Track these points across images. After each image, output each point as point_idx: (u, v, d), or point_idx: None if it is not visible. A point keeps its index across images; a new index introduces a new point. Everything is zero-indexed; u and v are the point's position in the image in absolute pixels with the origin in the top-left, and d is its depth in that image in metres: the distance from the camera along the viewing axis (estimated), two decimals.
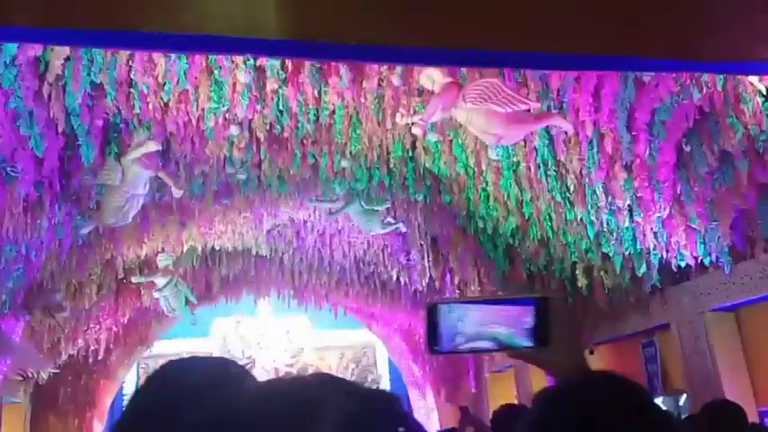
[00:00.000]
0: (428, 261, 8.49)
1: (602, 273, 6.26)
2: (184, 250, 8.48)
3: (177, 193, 5.67)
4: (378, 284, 9.74)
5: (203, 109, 5.07)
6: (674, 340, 5.96)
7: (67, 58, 4.44)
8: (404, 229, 8.07)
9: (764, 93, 3.97)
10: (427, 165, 6.56)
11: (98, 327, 9.11)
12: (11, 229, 5.19)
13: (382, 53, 1.94)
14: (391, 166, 6.55)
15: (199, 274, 9.51)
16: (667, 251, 5.35)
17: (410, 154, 6.52)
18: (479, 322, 1.07)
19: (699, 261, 5.28)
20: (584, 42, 1.68)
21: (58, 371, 8.41)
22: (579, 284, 6.47)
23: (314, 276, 9.88)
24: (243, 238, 8.84)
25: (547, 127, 5.23)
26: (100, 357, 9.49)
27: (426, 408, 11.45)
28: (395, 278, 9.29)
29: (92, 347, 9.32)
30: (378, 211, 7.61)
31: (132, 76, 4.77)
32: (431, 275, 8.65)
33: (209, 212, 7.46)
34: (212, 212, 7.48)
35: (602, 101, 4.83)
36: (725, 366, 5.48)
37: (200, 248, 8.69)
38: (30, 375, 7.99)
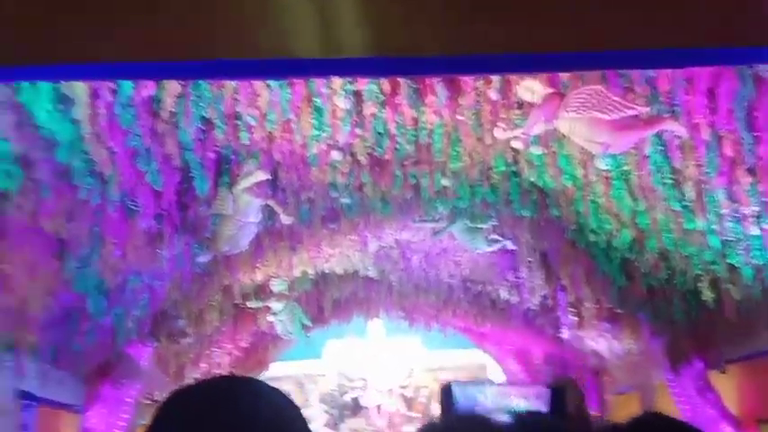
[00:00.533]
0: (538, 278, 8.24)
1: (729, 285, 5.80)
2: (296, 275, 8.71)
3: (287, 220, 5.83)
4: (487, 303, 9.56)
5: (306, 136, 5.21)
6: None
7: (179, 96, 4.71)
8: (511, 246, 7.88)
9: None
10: (531, 179, 6.38)
11: (219, 351, 9.50)
12: (134, 260, 5.53)
13: (472, 64, 1.89)
14: (494, 182, 6.43)
15: (311, 297, 9.73)
16: None
17: (512, 168, 6.38)
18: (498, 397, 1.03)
19: None
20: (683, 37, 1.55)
21: None
22: (704, 298, 6.03)
23: (422, 296, 9.86)
24: (350, 260, 8.98)
25: (658, 132, 4.96)
26: None
27: None
28: (504, 297, 9.09)
29: (214, 371, 9.71)
30: (482, 228, 7.49)
31: (238, 109, 4.99)
32: (542, 294, 8.40)
33: (316, 237, 7.63)
34: (320, 237, 7.64)
35: (718, 101, 4.51)
36: None
37: (310, 272, 8.90)
38: (158, 400, 8.43)
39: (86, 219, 4.71)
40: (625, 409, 9.45)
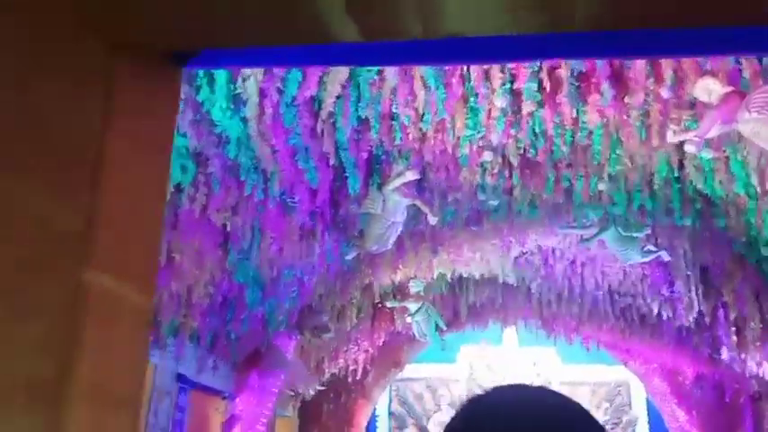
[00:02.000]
0: (697, 293, 7.64)
1: None
2: (434, 277, 8.68)
3: (433, 220, 5.80)
4: (635, 318, 9.02)
5: (459, 137, 5.15)
6: None
7: (338, 96, 4.80)
8: (667, 258, 7.35)
9: None
10: (698, 185, 5.92)
11: (356, 348, 9.67)
12: (289, 255, 5.72)
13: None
14: (655, 187, 6.03)
15: (447, 300, 9.68)
16: None
17: (677, 174, 5.95)
18: None
19: None
20: None
21: (323, 388, 9.07)
22: None
23: (563, 307, 9.48)
24: (490, 265, 8.81)
25: None
26: (358, 377, 10.05)
27: None
28: (656, 312, 8.53)
29: (351, 367, 9.91)
30: (637, 238, 7.04)
31: (394, 110, 5.02)
32: (700, 310, 7.79)
33: (458, 240, 7.55)
34: (462, 240, 7.56)
35: None
36: None
37: (449, 275, 8.83)
38: (299, 392, 8.72)
39: (250, 213, 4.92)
40: None
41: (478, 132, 5.05)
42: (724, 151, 5.30)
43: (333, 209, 5.78)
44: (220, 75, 3.89)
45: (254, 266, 5.36)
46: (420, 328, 9.11)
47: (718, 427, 9.32)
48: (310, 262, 6.11)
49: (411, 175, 5.53)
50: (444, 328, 9.40)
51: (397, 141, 5.23)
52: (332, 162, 5.25)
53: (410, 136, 5.13)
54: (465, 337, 12.25)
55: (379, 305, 9.30)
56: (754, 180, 5.41)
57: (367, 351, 10.07)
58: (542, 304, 9.53)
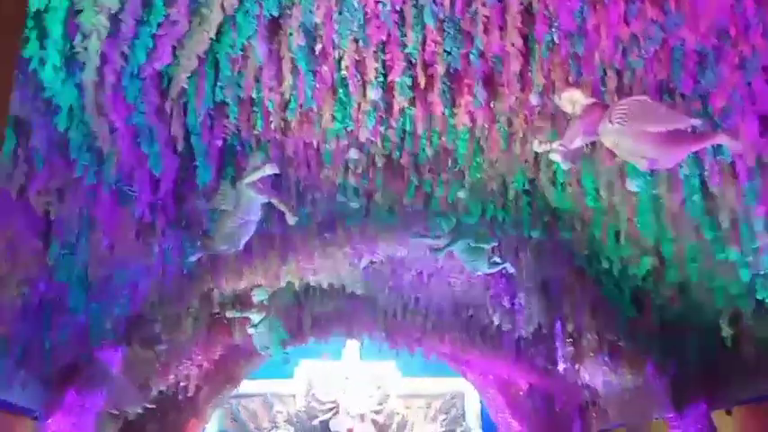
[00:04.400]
0: (536, 305, 7.89)
1: (751, 322, 5.53)
2: (281, 285, 8.21)
3: (292, 220, 5.37)
4: (477, 329, 9.17)
5: (325, 130, 4.80)
6: None
7: (193, 73, 4.26)
8: (511, 270, 7.51)
9: None
10: (549, 197, 6.06)
11: (189, 362, 8.89)
12: (123, 252, 5.00)
13: None
14: (509, 198, 6.10)
15: (291, 311, 9.22)
16: None
17: (527, 187, 6.07)
18: None
19: None
20: None
21: (153, 407, 8.19)
22: (723, 335, 5.75)
23: (408, 318, 9.42)
24: (339, 274, 8.52)
25: (697, 153, 4.70)
26: (189, 395, 9.24)
27: None
28: (496, 323, 8.71)
29: (182, 384, 9.09)
30: (485, 249, 7.12)
31: (257, 94, 4.56)
32: (538, 322, 8.04)
33: (310, 246, 7.17)
34: (313, 246, 7.19)
35: None
36: None
37: (296, 284, 8.41)
38: (123, 411, 7.78)
39: (78, 199, 4.19)
40: None
41: (347, 126, 4.74)
42: (577, 165, 5.44)
43: (177, 202, 5.15)
44: (55, 26, 3.22)
45: (79, 264, 4.59)
46: (262, 340, 8.56)
47: None
48: (147, 263, 5.41)
49: (269, 170, 5.07)
50: (288, 340, 8.92)
51: (258, 130, 4.78)
52: (179, 148, 4.65)
53: (272, 125, 4.70)
54: (304, 351, 11.84)
55: (218, 315, 8.62)
56: (603, 194, 5.63)
57: (201, 366, 9.30)
58: (388, 316, 9.39)
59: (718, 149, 4.60)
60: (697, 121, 4.16)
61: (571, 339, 7.74)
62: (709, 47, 3.90)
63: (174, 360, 8.64)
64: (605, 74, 4.47)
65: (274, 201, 5.44)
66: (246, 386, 11.55)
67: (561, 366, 7.97)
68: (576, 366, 7.90)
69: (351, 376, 12.48)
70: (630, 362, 7.17)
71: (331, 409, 12.36)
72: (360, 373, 12.52)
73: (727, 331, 5.74)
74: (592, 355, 7.61)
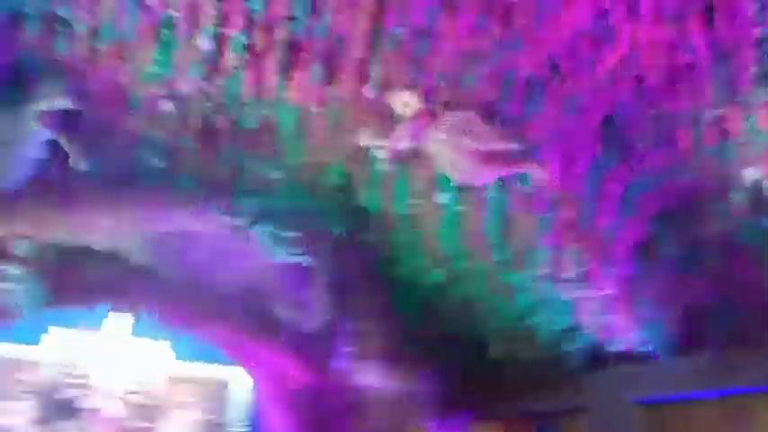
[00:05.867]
0: (325, 302, 7.84)
1: (520, 344, 5.96)
2: (51, 240, 7.26)
3: (79, 165, 4.73)
4: (259, 319, 8.89)
5: (139, 71, 4.28)
6: (584, 429, 5.72)
7: None
8: (307, 263, 7.40)
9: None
10: (360, 196, 6.03)
11: None
12: None
13: None
14: (322, 188, 5.97)
15: (56, 272, 8.20)
16: (603, 333, 5.14)
17: (341, 181, 5.99)
18: None
19: (632, 348, 5.11)
20: None
21: None
22: (492, 354, 6.13)
23: (189, 298, 8.87)
24: (121, 239, 7.75)
25: (504, 177, 4.96)
26: None
27: None
28: (282, 316, 8.51)
29: None
30: (286, 237, 6.94)
31: (63, 12, 3.93)
32: (325, 319, 8.00)
33: (95, 200, 6.42)
34: (100, 201, 6.44)
35: (576, 163, 4.61)
36: None
37: (68, 241, 7.48)
38: None
39: None
40: None
41: (165, 73, 4.26)
42: (394, 168, 5.48)
43: None
44: None
45: None
46: (16, 298, 7.49)
47: None
48: None
49: (62, 102, 4.42)
50: (48, 303, 7.90)
51: (58, 53, 4.12)
52: None
53: (77, 50, 4.08)
54: (59, 317, 10.65)
55: None
56: (412, 201, 5.72)
57: None
58: (168, 293, 8.76)
59: (524, 177, 4.88)
60: (514, 146, 4.37)
61: (354, 340, 7.79)
62: (539, 77, 4.09)
63: None
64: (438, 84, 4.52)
65: (62, 140, 4.77)
66: None
67: (338, 366, 7.99)
68: (354, 367, 7.96)
69: (111, 352, 11.46)
70: (403, 368, 7.39)
71: (80, 385, 11.22)
72: (123, 349, 11.54)
73: (497, 351, 6.13)
74: (371, 358, 7.72)
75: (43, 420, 11.09)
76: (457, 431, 6.97)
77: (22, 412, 10.74)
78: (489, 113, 4.51)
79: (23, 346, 10.97)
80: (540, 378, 6.05)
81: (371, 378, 8.07)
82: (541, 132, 4.48)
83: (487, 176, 4.54)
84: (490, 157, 4.39)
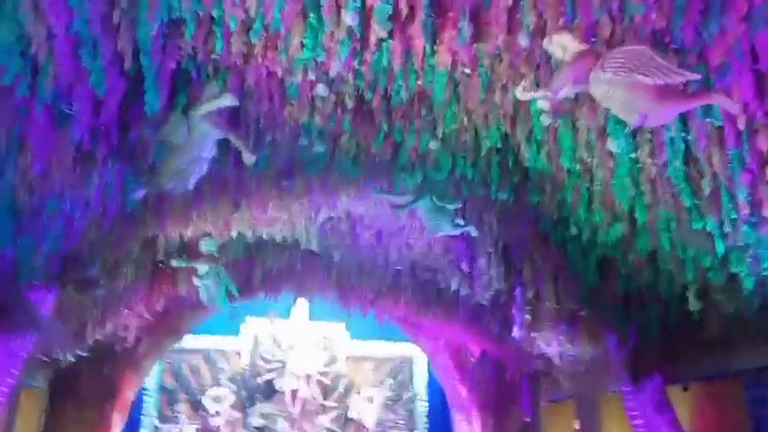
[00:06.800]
0: (496, 271, 7.65)
1: (721, 296, 5.38)
2: (231, 235, 7.74)
3: (249, 160, 4.93)
4: (434, 293, 8.91)
5: (292, 58, 4.34)
6: None
7: None
8: (474, 233, 7.22)
9: None
10: (523, 156, 5.73)
11: (129, 312, 8.39)
12: (57, 180, 4.48)
13: None
14: (482, 153, 5.76)
15: (241, 264, 8.77)
16: None
17: (500, 143, 5.71)
18: None
19: None
20: None
21: (86, 356, 7.69)
22: (690, 308, 5.59)
23: (364, 279, 9.10)
24: (294, 228, 8.09)
25: (683, 116, 4.46)
26: (128, 346, 8.77)
27: None
28: (454, 288, 8.46)
29: (120, 334, 8.60)
30: (449, 209, 6.80)
31: (214, 14, 4.07)
32: (497, 288, 7.82)
33: (266, 194, 6.72)
34: (270, 195, 6.73)
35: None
36: None
37: (247, 235, 7.95)
38: (54, 358, 7.27)
39: (6, 114, 3.66)
40: (559, 418, 9.07)
41: (316, 56, 4.29)
42: (555, 121, 5.14)
43: (121, 130, 4.64)
44: None
45: (6, 189, 4.07)
46: (209, 292, 8.11)
47: (497, 404, 9.62)
48: (84, 195, 4.89)
49: (227, 101, 4.61)
50: (236, 295, 8.48)
51: (217, 53, 4.29)
52: (126, 66, 4.14)
53: (233, 47, 4.22)
54: (251, 308, 11.42)
55: (162, 264, 8.12)
56: (580, 154, 5.35)
57: (141, 316, 8.80)
58: (342, 275, 9.06)
59: (708, 111, 4.35)
60: (696, 76, 3.88)
61: (530, 307, 7.54)
62: None
63: (113, 308, 8.13)
64: (599, 20, 4.13)
65: (231, 137, 4.99)
66: (189, 341, 11.11)
67: (516, 334, 7.79)
68: (532, 335, 7.72)
69: (299, 336, 12.13)
70: (589, 332, 7.02)
71: (276, 369, 12.02)
72: (308, 333, 12.19)
73: (694, 305, 5.59)
74: (550, 323, 7.43)
75: (243, 405, 12.02)
76: (653, 396, 6.49)
77: (227, 398, 11.72)
78: (661, 43, 4.07)
79: (221, 338, 11.97)
80: (747, 332, 5.43)
81: (555, 345, 7.78)
82: (725, 55, 3.94)
83: (667, 115, 4.07)
84: (668, 93, 3.92)
